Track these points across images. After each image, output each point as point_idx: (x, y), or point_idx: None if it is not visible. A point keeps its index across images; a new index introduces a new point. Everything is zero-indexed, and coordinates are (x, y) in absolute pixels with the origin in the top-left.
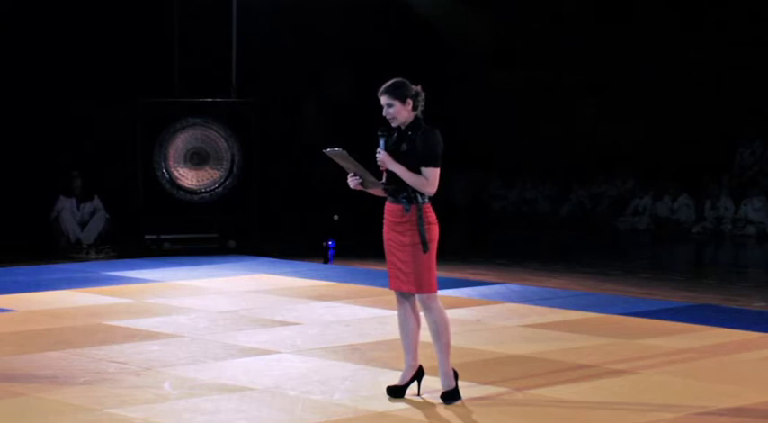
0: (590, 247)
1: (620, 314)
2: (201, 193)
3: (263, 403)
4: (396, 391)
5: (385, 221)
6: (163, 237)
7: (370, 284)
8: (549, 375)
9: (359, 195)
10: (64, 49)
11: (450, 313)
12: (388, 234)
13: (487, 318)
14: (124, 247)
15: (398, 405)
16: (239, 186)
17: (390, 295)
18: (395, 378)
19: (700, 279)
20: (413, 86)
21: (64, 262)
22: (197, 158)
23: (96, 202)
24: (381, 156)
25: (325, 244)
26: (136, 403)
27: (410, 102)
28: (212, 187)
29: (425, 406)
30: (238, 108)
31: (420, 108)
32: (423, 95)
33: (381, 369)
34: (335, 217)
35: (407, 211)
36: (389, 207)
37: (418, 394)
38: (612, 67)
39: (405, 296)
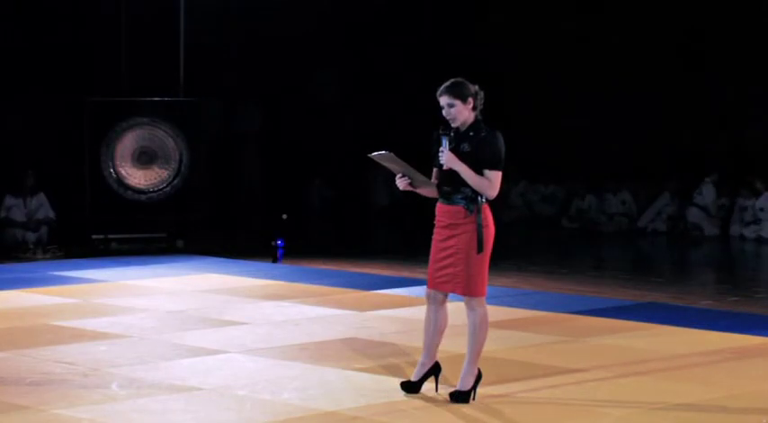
0: (537, 247)
1: (568, 312)
2: (149, 192)
3: (211, 403)
4: (410, 387)
5: (436, 222)
6: (110, 236)
7: (319, 284)
8: (497, 375)
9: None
10: (10, 47)
11: (400, 313)
12: (439, 235)
13: None
14: (71, 246)
15: (346, 404)
16: (187, 186)
17: (338, 295)
18: (343, 377)
19: (647, 277)
20: (471, 85)
21: (10, 262)
22: (145, 158)
23: (42, 197)
24: (446, 155)
25: (274, 243)
26: (83, 404)
27: (471, 101)
28: (160, 187)
29: (377, 405)
30: (186, 107)
31: (479, 108)
32: (482, 94)
33: (330, 368)
34: (284, 216)
35: (471, 211)
36: (443, 208)
37: (436, 390)
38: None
39: (440, 296)
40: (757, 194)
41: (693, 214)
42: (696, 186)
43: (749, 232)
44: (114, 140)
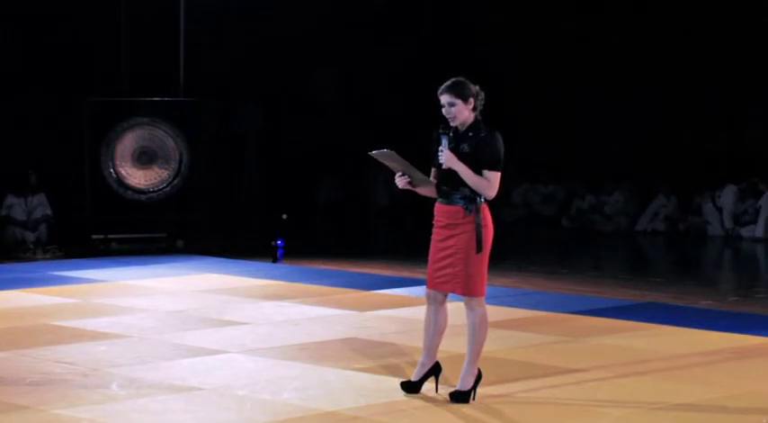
0: (537, 247)
1: (568, 312)
2: (149, 192)
3: (211, 403)
4: (410, 387)
5: (435, 222)
6: (110, 236)
7: (319, 284)
8: (497, 375)
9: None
10: (10, 47)
11: (400, 313)
12: (438, 235)
13: None
14: (71, 246)
15: (346, 404)
16: (187, 186)
17: (338, 295)
18: (343, 377)
19: (647, 277)
20: (472, 85)
21: (10, 262)
22: (145, 158)
23: (42, 197)
24: (445, 154)
25: (274, 243)
26: (83, 404)
27: (472, 101)
28: (160, 187)
29: (377, 405)
30: (186, 107)
31: (479, 108)
32: (482, 95)
33: (330, 368)
34: (284, 216)
35: (470, 211)
36: (442, 208)
37: (436, 390)
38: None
39: (440, 296)
40: (759, 195)
41: (708, 210)
42: (718, 187)
43: (746, 232)
44: (114, 140)
